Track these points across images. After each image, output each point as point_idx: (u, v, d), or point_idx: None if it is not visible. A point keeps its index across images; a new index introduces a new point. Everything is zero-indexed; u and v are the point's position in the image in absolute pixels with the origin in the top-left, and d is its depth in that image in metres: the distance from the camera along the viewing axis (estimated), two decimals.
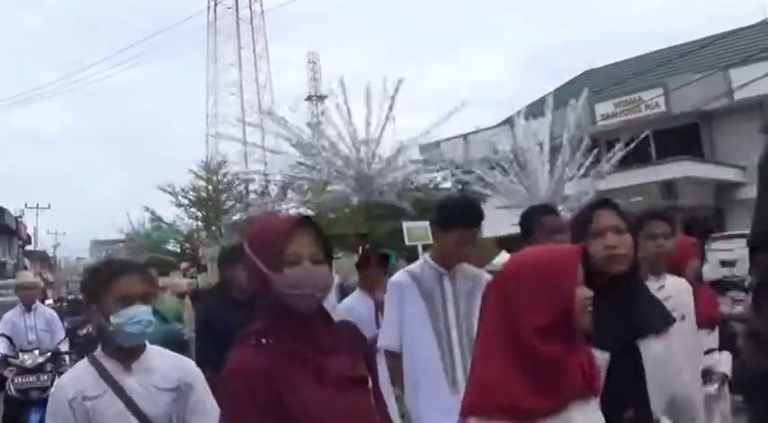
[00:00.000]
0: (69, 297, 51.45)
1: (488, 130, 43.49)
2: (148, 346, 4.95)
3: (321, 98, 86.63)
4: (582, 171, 28.84)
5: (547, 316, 3.38)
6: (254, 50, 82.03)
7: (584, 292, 3.49)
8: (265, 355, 3.53)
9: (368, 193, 9.98)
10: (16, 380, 12.32)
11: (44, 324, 13.16)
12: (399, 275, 7.28)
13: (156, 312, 9.75)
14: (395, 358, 7.08)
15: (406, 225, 21.08)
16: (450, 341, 6.88)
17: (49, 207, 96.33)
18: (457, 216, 6.95)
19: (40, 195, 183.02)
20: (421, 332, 6.92)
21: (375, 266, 10.86)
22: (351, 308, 10.19)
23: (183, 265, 34.45)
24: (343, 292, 13.83)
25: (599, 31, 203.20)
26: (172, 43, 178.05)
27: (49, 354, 12.63)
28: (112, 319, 4.64)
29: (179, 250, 50.26)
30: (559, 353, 3.37)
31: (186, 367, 5.09)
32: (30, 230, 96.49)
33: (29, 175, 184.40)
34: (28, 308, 13.11)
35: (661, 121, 36.34)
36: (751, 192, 4.56)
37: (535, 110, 44.90)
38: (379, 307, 9.69)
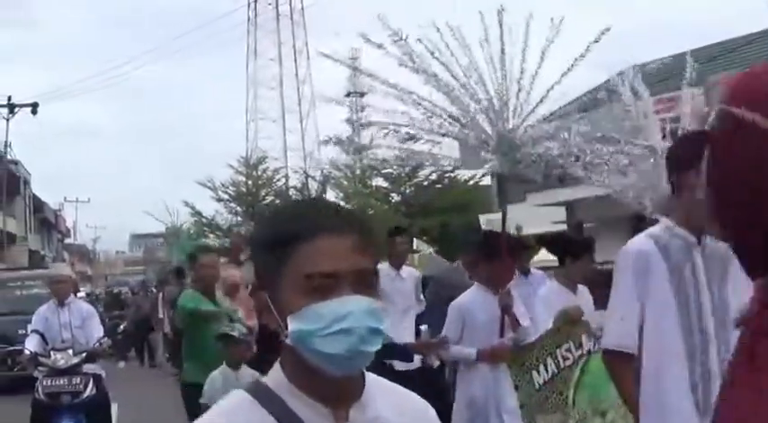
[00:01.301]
0: (107, 290, 51.21)
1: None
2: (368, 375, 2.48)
3: (362, 95, 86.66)
4: None
5: None
6: (293, 46, 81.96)
7: None
8: None
9: (511, 164, 7.98)
10: (45, 382, 11.02)
11: (80, 321, 11.67)
12: (641, 240, 5.10)
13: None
14: (625, 362, 5.02)
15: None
16: (704, 343, 4.81)
17: (88, 201, 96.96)
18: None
19: (81, 189, 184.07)
20: (667, 328, 4.87)
21: (507, 255, 8.85)
22: (467, 309, 8.72)
23: (222, 260, 33.83)
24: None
25: (638, 27, 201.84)
26: (212, 38, 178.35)
27: (84, 354, 11.19)
28: (298, 324, 2.23)
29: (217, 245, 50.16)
30: None
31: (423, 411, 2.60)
32: (69, 224, 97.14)
33: (69, 168, 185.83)
34: (61, 303, 11.71)
35: (703, 120, 36.13)
36: None
37: (575, 106, 44.85)
38: (505, 310, 8.49)
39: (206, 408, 8.29)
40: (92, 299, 31.33)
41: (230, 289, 11.90)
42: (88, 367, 11.27)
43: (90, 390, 11.06)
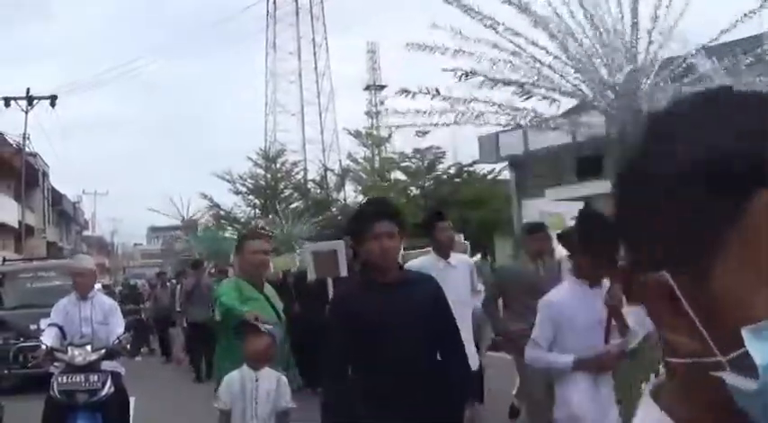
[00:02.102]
0: (123, 282, 50.42)
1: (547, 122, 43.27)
2: None
3: (380, 88, 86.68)
4: None
5: None
6: (313, 40, 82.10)
7: None
8: None
9: (630, 110, 7.25)
10: (61, 379, 10.19)
11: (102, 316, 10.88)
12: None
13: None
14: None
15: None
16: None
17: (107, 193, 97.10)
18: None
19: (99, 182, 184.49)
20: None
21: (605, 242, 7.74)
22: (563, 307, 7.31)
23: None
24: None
25: (662, 22, 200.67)
26: (232, 32, 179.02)
27: (103, 350, 10.33)
28: None
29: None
30: None
31: None
32: (87, 216, 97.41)
33: (88, 161, 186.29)
34: (83, 296, 10.86)
35: None
36: None
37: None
38: (613, 311, 7.08)
39: (225, 417, 7.56)
40: (108, 291, 27.62)
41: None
42: (107, 364, 10.43)
43: (108, 388, 10.23)
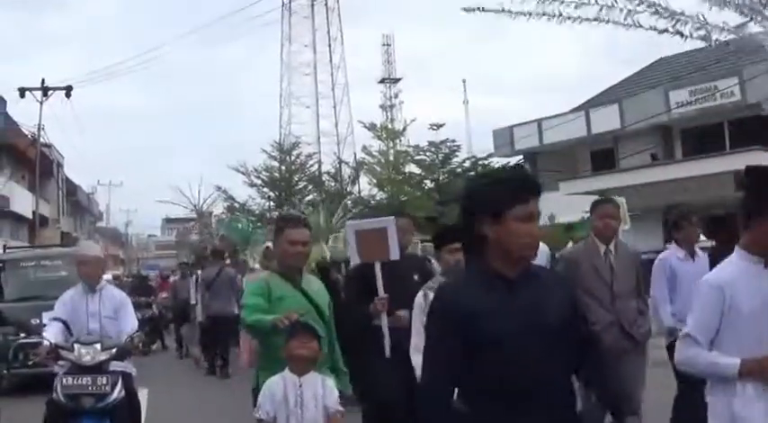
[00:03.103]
0: (133, 273, 49.79)
1: (562, 116, 43.38)
2: None
3: (395, 81, 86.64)
4: None
5: None
6: (328, 32, 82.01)
7: None
8: None
9: None
10: (66, 380, 9.06)
11: (111, 310, 9.80)
12: None
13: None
14: None
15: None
16: None
17: (121, 184, 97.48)
18: None
19: (114, 173, 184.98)
20: None
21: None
22: (732, 289, 5.49)
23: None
24: None
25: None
26: (247, 23, 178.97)
27: (114, 349, 9.25)
28: None
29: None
30: None
31: None
32: (102, 207, 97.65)
33: (102, 152, 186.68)
34: (92, 288, 9.81)
35: (736, 111, 36.03)
36: None
37: (610, 96, 44.84)
38: None
39: None
40: (117, 283, 25.68)
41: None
42: (116, 365, 9.34)
43: (118, 391, 9.11)
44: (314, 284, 7.79)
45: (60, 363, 9.27)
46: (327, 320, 7.59)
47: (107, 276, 13.81)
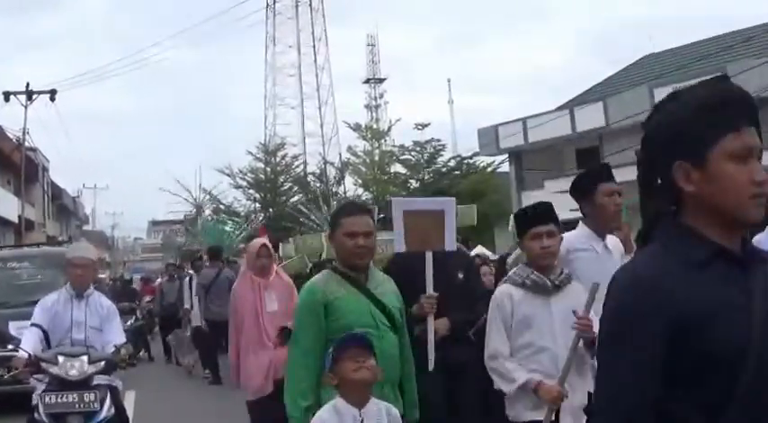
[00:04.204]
0: (116, 276, 47.54)
1: (547, 115, 43.43)
2: None
3: (380, 81, 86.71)
4: None
5: None
6: (312, 32, 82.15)
7: None
8: None
9: None
10: (48, 398, 8.03)
11: (98, 320, 8.84)
12: None
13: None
14: None
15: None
16: None
17: (107, 187, 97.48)
18: None
19: (99, 176, 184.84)
20: None
21: None
22: None
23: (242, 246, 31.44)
24: None
25: (660, 14, 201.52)
26: (233, 24, 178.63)
27: (102, 363, 8.30)
28: None
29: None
30: None
31: None
32: (88, 211, 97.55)
33: (87, 155, 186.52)
34: (79, 294, 8.82)
35: None
36: None
37: (594, 94, 44.91)
38: None
39: None
40: (96, 286, 22.01)
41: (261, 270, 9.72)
42: (101, 378, 8.43)
43: (107, 408, 8.26)
44: (384, 285, 6.34)
45: (37, 376, 8.27)
46: (400, 328, 6.20)
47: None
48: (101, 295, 9.39)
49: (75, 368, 8.09)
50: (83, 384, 8.11)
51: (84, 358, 8.17)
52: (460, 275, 8.48)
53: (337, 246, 6.26)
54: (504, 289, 6.47)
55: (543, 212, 6.48)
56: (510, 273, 6.82)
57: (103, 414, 8.13)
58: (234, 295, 10.10)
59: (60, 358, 8.10)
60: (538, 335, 6.22)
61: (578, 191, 7.25)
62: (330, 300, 5.95)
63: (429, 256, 7.71)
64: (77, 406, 8.00)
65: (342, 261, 6.23)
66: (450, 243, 7.99)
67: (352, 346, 5.24)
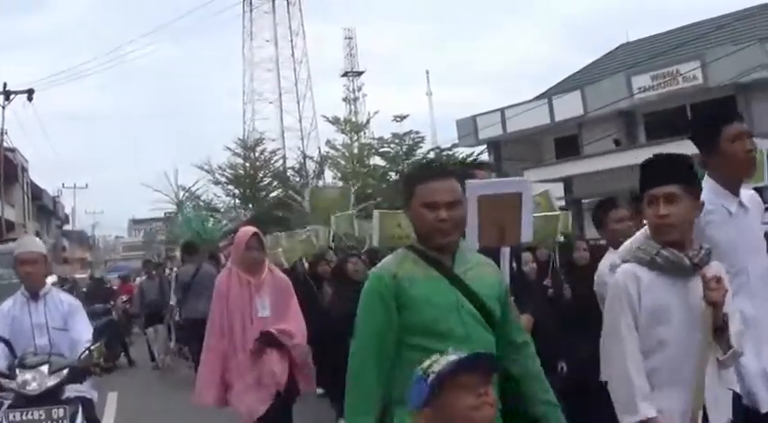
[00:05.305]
0: (88, 275, 42.90)
1: (525, 104, 43.46)
2: None
3: (358, 74, 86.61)
4: None
5: None
6: (289, 26, 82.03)
7: None
8: None
9: None
10: (12, 416, 7.07)
11: (60, 320, 7.91)
12: None
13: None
14: None
15: None
16: None
17: (86, 186, 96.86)
18: None
19: (78, 175, 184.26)
20: None
21: None
22: None
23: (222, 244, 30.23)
24: None
25: (637, 3, 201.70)
26: (210, 20, 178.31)
27: (65, 370, 7.28)
28: None
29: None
30: None
31: None
32: (68, 210, 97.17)
33: (66, 155, 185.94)
34: (34, 294, 7.94)
35: (698, 94, 36.23)
36: None
37: (572, 83, 44.98)
38: None
39: None
40: (68, 287, 22.06)
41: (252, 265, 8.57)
42: (73, 389, 7.48)
43: None
44: (478, 268, 4.79)
45: (1, 394, 7.28)
46: (500, 324, 4.70)
47: (52, 279, 11.60)
48: (59, 291, 8.58)
49: (35, 381, 7.13)
50: (50, 398, 7.15)
51: (44, 368, 7.19)
52: (513, 266, 7.15)
53: (414, 220, 4.79)
54: (628, 269, 4.91)
55: (661, 169, 4.86)
56: (626, 247, 5.46)
57: None
58: (217, 295, 8.65)
59: (19, 372, 7.16)
60: (673, 331, 4.68)
61: (698, 137, 5.72)
62: (404, 288, 4.56)
63: (506, 252, 6.50)
64: None
65: (421, 239, 4.76)
66: (528, 234, 6.61)
67: (468, 372, 3.49)
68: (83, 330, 7.83)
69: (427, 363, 3.54)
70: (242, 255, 8.53)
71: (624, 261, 5.01)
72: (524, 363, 4.73)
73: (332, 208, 14.65)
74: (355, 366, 4.56)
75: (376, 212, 11.80)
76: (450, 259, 4.66)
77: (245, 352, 8.30)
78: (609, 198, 8.05)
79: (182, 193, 59.35)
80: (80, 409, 7.26)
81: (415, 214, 4.69)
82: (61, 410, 7.07)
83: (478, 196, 6.12)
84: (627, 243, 5.58)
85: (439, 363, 3.49)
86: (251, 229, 8.88)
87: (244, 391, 8.28)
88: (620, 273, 4.90)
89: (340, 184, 52.60)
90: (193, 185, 57.62)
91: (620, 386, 4.68)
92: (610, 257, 7.15)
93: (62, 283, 24.79)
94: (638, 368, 4.63)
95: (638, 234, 5.39)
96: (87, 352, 7.26)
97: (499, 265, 5.88)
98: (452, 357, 3.50)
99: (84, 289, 28.05)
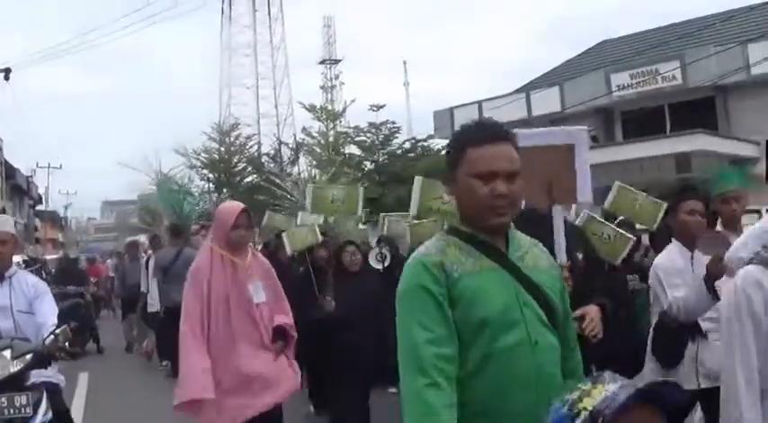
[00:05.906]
0: (60, 255, 40.31)
1: (503, 98, 43.36)
2: None
3: (335, 62, 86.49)
4: None
5: None
6: (268, 12, 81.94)
7: None
8: None
9: None
10: None
11: (25, 303, 7.59)
12: None
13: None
14: None
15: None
16: None
17: (60, 167, 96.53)
18: None
19: (52, 155, 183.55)
20: None
21: None
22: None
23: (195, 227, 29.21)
24: None
25: (618, 1, 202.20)
26: (187, 3, 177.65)
27: (29, 356, 6.89)
28: None
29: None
30: None
31: None
32: (41, 190, 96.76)
33: (41, 134, 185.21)
34: (0, 275, 7.67)
35: (677, 94, 36.22)
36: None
37: (551, 79, 44.89)
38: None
39: None
40: (35, 268, 21.57)
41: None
42: (38, 374, 7.08)
43: (44, 413, 6.96)
44: (532, 252, 3.90)
45: None
46: (562, 321, 3.88)
47: (17, 259, 11.55)
48: (26, 273, 8.33)
49: None
50: (13, 384, 6.80)
51: (6, 353, 6.82)
52: (580, 256, 6.19)
53: (461, 194, 3.80)
54: (752, 273, 4.10)
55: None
56: (740, 245, 4.72)
57: (38, 419, 6.86)
58: (196, 278, 7.73)
59: None
60: None
61: None
62: (454, 279, 3.64)
63: (558, 211, 5.70)
64: (7, 412, 6.72)
65: (469, 218, 3.80)
66: (585, 192, 5.76)
67: (640, 411, 2.66)
68: (48, 313, 7.45)
69: (575, 394, 2.71)
70: (227, 233, 7.62)
71: (749, 262, 4.24)
72: (574, 369, 3.94)
73: (337, 209, 14.29)
74: (409, 383, 3.50)
75: (418, 178, 11.01)
76: (504, 242, 3.79)
77: (243, 342, 7.48)
78: (689, 185, 7.43)
79: (159, 176, 59.11)
80: (44, 396, 6.98)
81: (464, 187, 3.74)
82: (24, 397, 6.77)
83: (524, 146, 4.21)
84: (742, 238, 4.80)
85: (593, 397, 2.65)
86: (238, 204, 7.98)
87: (231, 389, 7.39)
88: (743, 278, 4.11)
89: (315, 171, 52.55)
90: (171, 170, 57.42)
91: (730, 414, 4.04)
92: (671, 249, 6.60)
93: (32, 262, 24.15)
94: (754, 388, 3.98)
95: (756, 227, 4.69)
96: (52, 336, 6.81)
97: (549, 230, 5.35)
98: (616, 390, 2.64)
99: (53, 270, 26.58)
